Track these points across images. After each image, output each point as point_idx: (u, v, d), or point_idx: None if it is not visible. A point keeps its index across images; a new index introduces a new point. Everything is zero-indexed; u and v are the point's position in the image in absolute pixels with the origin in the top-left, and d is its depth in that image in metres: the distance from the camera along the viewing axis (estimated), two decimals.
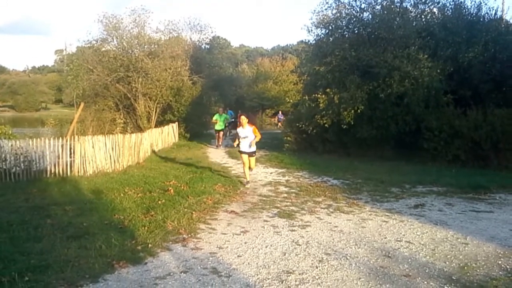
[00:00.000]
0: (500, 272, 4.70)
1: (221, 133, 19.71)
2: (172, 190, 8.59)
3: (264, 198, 8.55)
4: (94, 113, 21.83)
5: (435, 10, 17.42)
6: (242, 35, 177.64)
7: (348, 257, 5.11)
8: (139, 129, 20.66)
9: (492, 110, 13.27)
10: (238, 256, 5.14)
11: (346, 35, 16.94)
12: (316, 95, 16.02)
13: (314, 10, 17.59)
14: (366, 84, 14.92)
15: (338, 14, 16.89)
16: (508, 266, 4.87)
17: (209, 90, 25.80)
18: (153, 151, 16.00)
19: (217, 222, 6.66)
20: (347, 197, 8.74)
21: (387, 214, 7.34)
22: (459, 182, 10.16)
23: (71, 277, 4.30)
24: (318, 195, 8.88)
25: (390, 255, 5.22)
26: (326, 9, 17.14)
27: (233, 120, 24.04)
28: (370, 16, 16.67)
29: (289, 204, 8.02)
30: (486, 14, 16.76)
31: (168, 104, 23.07)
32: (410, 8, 17.02)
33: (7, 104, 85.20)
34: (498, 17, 17.40)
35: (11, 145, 10.31)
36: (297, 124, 17.45)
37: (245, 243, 5.65)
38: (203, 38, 26.49)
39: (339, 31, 17.05)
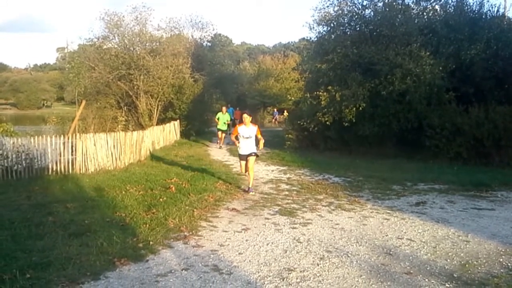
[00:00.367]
0: (502, 270, 4.69)
1: (223, 133, 19.44)
2: (173, 188, 8.59)
3: (265, 196, 8.55)
4: (95, 111, 21.86)
5: (437, 7, 17.41)
6: (244, 33, 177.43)
7: (349, 255, 5.11)
8: (141, 127, 20.66)
9: (494, 107, 13.24)
10: (239, 253, 5.14)
11: (348, 32, 16.93)
12: (317, 92, 16.00)
13: (316, 7, 17.56)
14: (368, 82, 14.91)
15: (340, 11, 16.88)
16: (509, 264, 4.86)
17: (210, 88, 25.82)
18: (150, 152, 15.99)
19: (218, 220, 6.66)
20: (349, 194, 8.74)
21: (388, 211, 7.33)
22: (460, 179, 10.15)
23: (73, 274, 4.31)
24: (319, 193, 8.87)
25: (391, 252, 5.22)
26: (328, 6, 17.16)
27: (232, 119, 23.71)
28: (372, 13, 16.65)
29: (291, 202, 8.01)
30: (489, 11, 16.76)
31: (169, 102, 23.08)
32: (412, 5, 17.02)
33: (9, 102, 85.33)
34: (501, 14, 17.39)
35: (13, 143, 10.32)
36: (298, 122, 17.44)
37: (246, 240, 5.65)
38: (204, 36, 26.52)
39: (341, 28, 17.03)
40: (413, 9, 17.04)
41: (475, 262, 4.91)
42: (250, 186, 8.95)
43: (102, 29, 23.20)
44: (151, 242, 5.33)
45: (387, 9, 16.03)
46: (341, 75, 15.60)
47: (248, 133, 8.92)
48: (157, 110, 22.79)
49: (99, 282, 4.21)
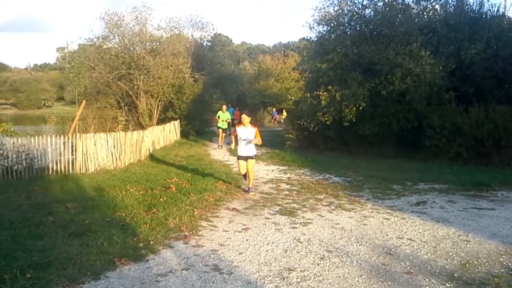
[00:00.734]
0: (502, 270, 4.69)
1: (224, 132, 19.36)
2: (173, 188, 8.60)
3: (265, 196, 8.55)
4: (96, 111, 21.84)
5: (437, 6, 17.42)
6: (244, 33, 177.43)
7: (350, 255, 5.11)
8: (141, 126, 20.65)
9: (494, 107, 13.24)
10: (240, 253, 5.14)
11: (348, 32, 16.93)
12: (317, 92, 16.00)
13: (316, 7, 17.56)
14: (368, 81, 14.90)
15: (340, 11, 16.88)
16: (510, 264, 4.86)
17: (210, 88, 25.80)
18: (150, 152, 15.98)
19: (218, 220, 6.66)
20: (349, 194, 8.74)
21: (388, 211, 7.33)
22: (461, 179, 10.15)
23: (73, 274, 4.31)
24: (319, 193, 8.87)
25: (391, 252, 5.22)
26: (328, 6, 17.16)
27: (232, 119, 23.63)
28: (372, 13, 16.65)
29: (291, 202, 8.01)
30: (489, 11, 16.76)
31: (169, 102, 23.07)
32: (412, 5, 17.02)
33: (9, 102, 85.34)
34: (501, 13, 17.39)
35: (13, 143, 10.31)
36: (298, 122, 17.43)
37: (247, 240, 5.65)
38: (204, 36, 26.49)
39: (341, 28, 17.03)
40: (413, 8, 17.04)
41: (475, 262, 4.91)
42: (250, 186, 8.88)
43: (102, 29, 23.22)
44: (151, 242, 5.33)
45: (387, 9, 16.03)
46: (341, 75, 15.60)
47: (246, 135, 8.64)
48: (157, 110, 22.78)
49: (99, 282, 4.21)
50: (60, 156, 10.85)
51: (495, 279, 4.42)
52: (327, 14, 17.22)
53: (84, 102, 15.23)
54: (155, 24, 24.88)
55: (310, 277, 4.42)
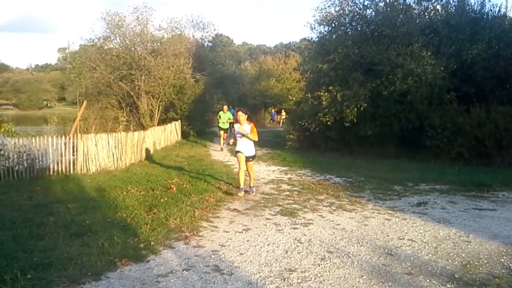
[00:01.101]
0: (503, 270, 4.68)
1: (225, 133, 19.03)
2: (174, 188, 8.60)
3: (266, 196, 8.54)
4: (97, 111, 21.87)
5: (438, 7, 17.41)
6: (245, 33, 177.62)
7: (350, 255, 5.10)
8: (142, 127, 20.68)
9: (496, 107, 13.23)
10: (240, 254, 5.13)
11: (349, 33, 16.93)
12: (319, 92, 16.01)
13: (317, 7, 17.58)
14: (369, 82, 14.90)
15: (341, 11, 16.88)
16: (511, 264, 4.84)
17: (211, 88, 25.82)
18: (150, 152, 15.98)
19: (219, 220, 6.66)
20: (350, 195, 8.73)
21: (389, 212, 7.32)
22: (462, 180, 10.13)
23: (74, 274, 4.31)
24: (320, 193, 8.86)
25: (392, 253, 5.21)
26: (329, 6, 17.17)
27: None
28: (373, 13, 16.65)
29: (292, 202, 8.01)
30: (490, 11, 16.76)
31: (170, 102, 23.10)
32: (414, 5, 17.01)
33: (9, 102, 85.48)
34: (502, 14, 17.36)
35: (14, 143, 10.32)
36: (299, 122, 17.43)
37: (247, 241, 5.65)
38: (205, 36, 26.53)
39: (342, 28, 17.03)
40: (414, 9, 17.04)
41: (476, 263, 4.90)
42: (251, 185, 8.84)
43: (103, 30, 23.28)
44: (152, 243, 5.33)
45: (389, 9, 16.03)
46: (342, 75, 15.60)
47: (242, 132, 8.51)
48: (158, 110, 22.81)
49: (100, 282, 4.21)
50: (61, 156, 10.87)
51: (496, 280, 4.41)
52: (328, 14, 17.23)
53: (85, 102, 15.25)
54: (156, 25, 24.88)
55: (311, 278, 4.42)
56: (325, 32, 17.63)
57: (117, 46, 23.41)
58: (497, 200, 8.40)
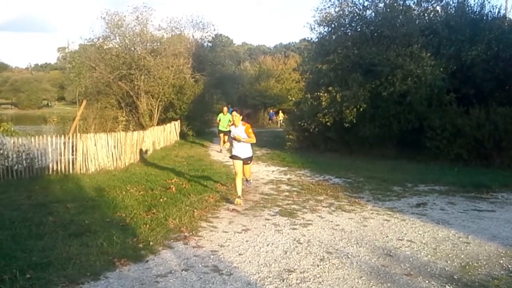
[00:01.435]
0: (502, 272, 4.68)
1: (225, 135, 18.77)
2: (173, 188, 8.59)
3: (265, 197, 8.54)
4: (96, 111, 21.84)
5: (438, 8, 17.43)
6: (245, 33, 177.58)
7: (350, 256, 5.10)
8: (141, 127, 20.66)
9: (495, 108, 13.24)
10: (239, 254, 5.13)
11: (349, 33, 16.93)
12: (318, 93, 16.00)
13: (317, 8, 17.56)
14: (369, 83, 14.91)
15: (341, 12, 16.88)
16: (509, 266, 4.85)
17: (211, 88, 25.80)
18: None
19: (218, 220, 6.66)
20: (349, 195, 8.73)
21: (388, 213, 7.32)
22: (461, 181, 10.14)
23: (73, 274, 4.30)
24: (319, 194, 8.86)
25: (391, 254, 5.21)
26: (329, 7, 17.16)
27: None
28: (373, 14, 16.65)
29: (291, 203, 8.01)
30: (490, 12, 16.78)
31: (170, 102, 23.08)
32: (413, 6, 17.02)
33: (9, 102, 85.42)
34: (502, 15, 17.39)
35: (14, 143, 10.31)
36: (299, 123, 17.43)
37: (247, 241, 5.65)
38: (205, 36, 26.50)
39: (342, 29, 17.03)
40: (414, 10, 17.05)
41: (475, 264, 4.90)
42: (249, 178, 8.48)
43: (103, 29, 23.24)
44: (151, 243, 5.33)
45: (388, 10, 16.03)
46: (342, 76, 15.60)
47: (237, 134, 7.90)
48: (157, 110, 22.79)
49: (99, 282, 4.21)
50: (61, 156, 10.85)
51: (495, 281, 4.42)
52: (328, 15, 17.23)
53: (84, 102, 15.23)
54: (156, 25, 24.89)
55: (310, 279, 4.42)
56: (324, 33, 17.64)
57: (116, 46, 23.38)
58: (496, 201, 8.40)
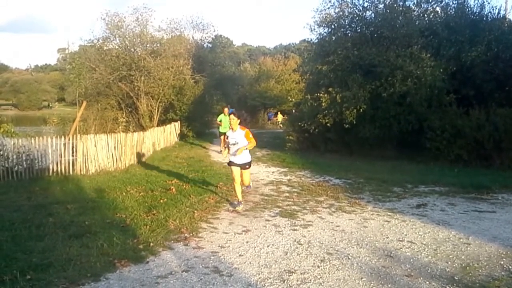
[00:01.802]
0: (502, 273, 4.68)
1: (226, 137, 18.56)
2: (174, 189, 8.59)
3: (266, 198, 8.54)
4: (96, 112, 21.84)
5: (438, 9, 17.43)
6: (244, 34, 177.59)
7: (350, 257, 5.10)
8: (141, 128, 20.66)
9: (495, 109, 13.24)
10: (240, 255, 5.13)
11: (349, 34, 16.93)
12: (318, 94, 16.00)
13: (317, 9, 17.56)
14: (369, 83, 14.90)
15: (341, 13, 16.88)
16: (510, 266, 4.85)
17: (211, 89, 25.80)
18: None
19: (219, 221, 6.66)
20: (349, 196, 8.73)
21: (389, 213, 7.32)
22: (461, 182, 10.13)
23: (73, 275, 4.31)
24: (320, 195, 8.86)
25: (392, 255, 5.21)
26: (329, 8, 17.16)
27: None
28: (373, 15, 16.65)
29: (291, 204, 8.01)
30: (489, 13, 16.77)
31: (170, 103, 23.07)
32: (413, 7, 17.03)
33: (9, 103, 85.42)
34: (501, 16, 17.38)
35: (14, 144, 10.31)
36: (299, 123, 17.42)
37: (247, 242, 5.65)
38: (205, 37, 26.53)
39: (342, 30, 17.04)
40: (414, 11, 17.05)
41: (476, 265, 4.90)
42: (248, 183, 7.92)
43: (103, 30, 23.26)
44: (151, 244, 5.33)
45: (388, 11, 16.04)
46: (342, 77, 15.60)
47: (235, 139, 7.52)
48: (157, 111, 22.78)
49: (99, 283, 4.21)
50: (61, 157, 10.85)
51: (496, 282, 4.41)
52: (328, 16, 17.23)
53: (84, 103, 15.23)
54: (156, 25, 24.98)
55: (311, 280, 4.41)
56: (324, 34, 17.64)
57: (116, 47, 23.38)
58: (496, 202, 8.40)
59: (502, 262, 4.99)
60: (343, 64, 15.59)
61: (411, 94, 14.35)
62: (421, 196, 8.87)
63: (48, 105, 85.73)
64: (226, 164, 8.13)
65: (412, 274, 4.60)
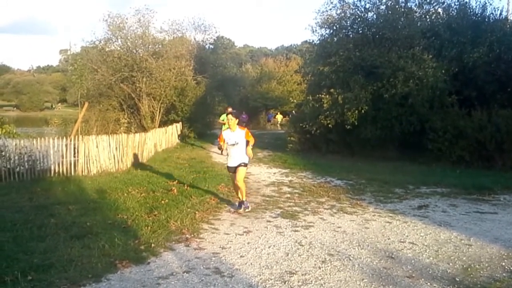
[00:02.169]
0: (504, 274, 4.67)
1: None
2: (175, 190, 8.60)
3: (267, 199, 8.54)
4: (98, 113, 21.86)
5: (440, 10, 17.42)
6: (246, 35, 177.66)
7: (351, 258, 5.10)
8: (143, 129, 20.68)
9: (497, 110, 13.22)
10: (241, 256, 5.13)
11: (351, 35, 16.94)
12: (320, 95, 15.99)
13: (319, 10, 17.60)
14: (370, 85, 14.90)
15: (343, 14, 16.89)
16: (511, 268, 4.84)
17: (213, 90, 25.83)
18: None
19: (220, 222, 6.65)
20: (351, 197, 8.72)
21: (390, 215, 7.31)
22: (463, 183, 10.12)
23: (74, 276, 4.31)
24: (321, 196, 8.86)
25: (393, 256, 5.20)
26: (330, 9, 17.18)
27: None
28: (374, 16, 16.66)
29: (292, 205, 8.00)
30: (491, 15, 16.75)
31: (172, 104, 23.10)
32: (415, 8, 17.02)
33: (11, 104, 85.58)
34: (503, 17, 17.37)
35: (16, 145, 10.33)
36: (300, 124, 17.42)
37: (248, 243, 5.64)
38: (207, 38, 26.58)
39: (344, 31, 17.04)
40: (415, 12, 17.05)
41: (477, 266, 4.89)
42: (243, 199, 7.47)
43: (104, 31, 23.33)
44: (152, 245, 5.33)
45: (390, 12, 16.04)
46: (344, 78, 15.59)
47: (234, 139, 7.27)
48: (159, 112, 22.82)
49: (100, 284, 4.21)
50: (62, 158, 10.87)
51: (497, 283, 4.40)
52: (330, 17, 17.25)
53: (86, 104, 15.25)
54: (157, 27, 25.03)
55: (312, 281, 4.41)
56: (326, 35, 17.66)
57: (118, 48, 23.45)
58: (498, 203, 8.39)
59: (503, 264, 4.98)
60: (345, 65, 15.59)
61: (413, 95, 14.34)
62: (422, 197, 8.86)
63: (52, 106, 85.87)
64: (224, 163, 8.16)
65: (413, 275, 4.59)
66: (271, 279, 4.43)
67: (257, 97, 39.19)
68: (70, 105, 67.61)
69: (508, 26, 16.71)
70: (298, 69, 24.04)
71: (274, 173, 12.03)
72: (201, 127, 24.74)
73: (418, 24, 16.40)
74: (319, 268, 4.78)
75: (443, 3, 17.13)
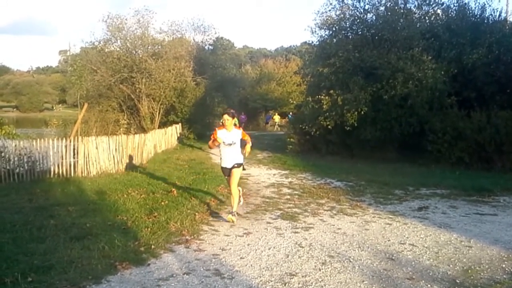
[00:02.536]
0: (504, 276, 4.67)
1: None
2: (175, 191, 8.59)
3: (267, 200, 8.53)
4: (97, 114, 21.89)
5: (439, 11, 17.44)
6: (246, 36, 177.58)
7: (351, 260, 5.09)
8: (143, 130, 20.69)
9: (496, 112, 13.24)
10: (241, 258, 5.12)
11: (350, 36, 16.96)
12: (319, 96, 16.01)
13: (318, 11, 17.62)
14: (370, 86, 14.92)
15: (342, 15, 16.92)
16: None
17: (212, 91, 25.86)
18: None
19: (220, 224, 6.65)
20: (351, 199, 8.72)
21: (390, 216, 7.31)
22: (463, 184, 10.12)
23: (74, 278, 4.30)
24: (321, 197, 8.85)
25: (393, 257, 5.20)
26: (329, 10, 17.21)
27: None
28: (374, 17, 16.69)
29: (292, 206, 8.00)
30: (490, 16, 16.78)
31: (171, 105, 23.13)
32: (414, 10, 17.05)
33: (11, 105, 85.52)
34: (503, 18, 17.40)
35: (15, 146, 10.32)
36: (300, 126, 17.43)
37: (248, 245, 5.64)
38: (206, 39, 26.63)
39: (343, 32, 17.07)
40: (415, 13, 17.07)
41: (477, 268, 4.89)
42: (233, 209, 6.84)
43: (104, 32, 23.40)
44: (152, 246, 5.32)
45: (389, 13, 16.07)
46: (343, 79, 15.61)
47: (231, 139, 6.86)
48: (159, 113, 22.83)
49: (100, 286, 4.20)
50: (62, 159, 10.86)
51: (498, 285, 4.40)
52: (329, 18, 17.27)
53: (86, 105, 15.27)
54: (157, 28, 25.05)
55: (312, 283, 4.40)
56: (325, 36, 17.68)
57: (118, 49, 23.48)
58: (498, 205, 8.39)
59: (503, 265, 4.98)
60: (344, 66, 15.60)
61: (412, 97, 14.35)
62: (422, 199, 8.86)
63: (52, 107, 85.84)
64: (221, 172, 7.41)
65: (413, 277, 4.58)
66: (271, 281, 4.42)
67: (257, 98, 39.25)
68: (70, 106, 67.57)
69: (507, 27, 16.75)
70: (298, 70, 24.04)
71: (274, 175, 12.03)
72: (200, 128, 24.74)
73: (417, 25, 16.43)
74: (319, 270, 4.77)
75: (442, 4, 17.20)
